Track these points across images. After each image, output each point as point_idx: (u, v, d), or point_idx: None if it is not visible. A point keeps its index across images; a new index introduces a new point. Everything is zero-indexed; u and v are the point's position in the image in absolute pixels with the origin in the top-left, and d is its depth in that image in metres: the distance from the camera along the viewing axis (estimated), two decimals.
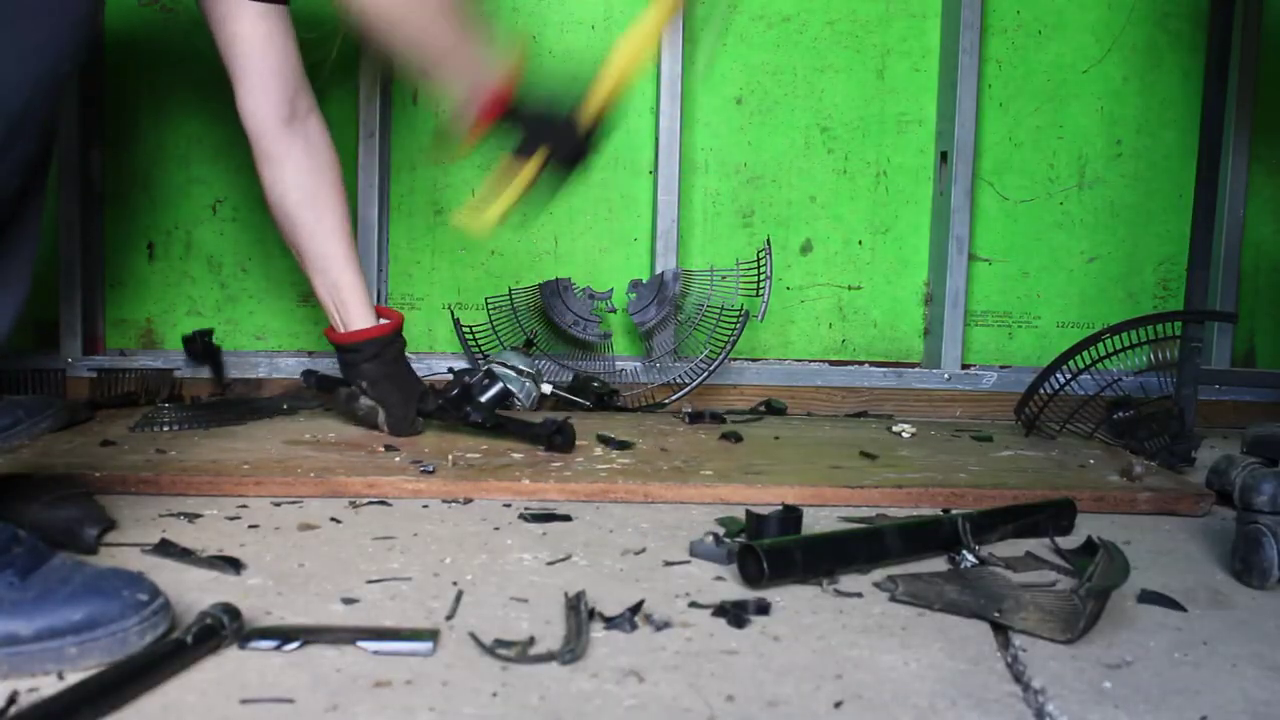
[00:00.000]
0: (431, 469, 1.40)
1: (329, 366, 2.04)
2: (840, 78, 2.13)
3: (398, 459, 1.47)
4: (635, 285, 2.05)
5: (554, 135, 1.41)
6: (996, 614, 0.97)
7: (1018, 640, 0.94)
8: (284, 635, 0.88)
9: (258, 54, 1.50)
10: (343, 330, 1.61)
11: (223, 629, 0.86)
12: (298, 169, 1.56)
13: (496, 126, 1.41)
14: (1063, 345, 1.87)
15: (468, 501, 1.33)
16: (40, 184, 1.00)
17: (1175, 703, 0.83)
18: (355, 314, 1.60)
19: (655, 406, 1.95)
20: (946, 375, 2.07)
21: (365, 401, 1.62)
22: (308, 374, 1.78)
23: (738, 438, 1.68)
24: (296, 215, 1.58)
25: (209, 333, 1.97)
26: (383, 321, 1.62)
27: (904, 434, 1.77)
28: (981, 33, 2.05)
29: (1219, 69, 1.73)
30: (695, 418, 1.83)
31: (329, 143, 1.61)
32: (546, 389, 1.92)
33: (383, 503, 1.31)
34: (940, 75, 2.11)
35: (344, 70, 2.01)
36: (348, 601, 0.98)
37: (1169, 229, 2.15)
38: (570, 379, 1.98)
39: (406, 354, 1.67)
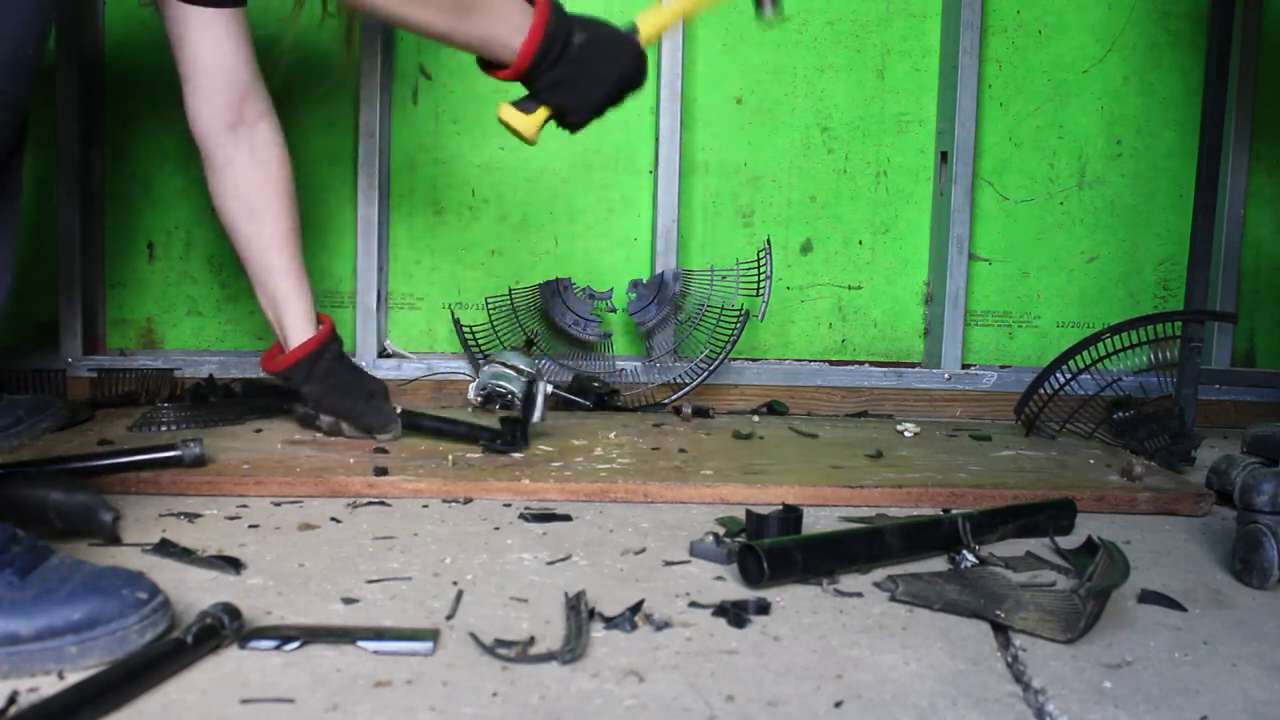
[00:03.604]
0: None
1: None
2: (840, 78, 2.13)
3: (392, 459, 1.47)
4: (635, 285, 2.04)
5: (571, 95, 1.42)
6: (997, 614, 0.97)
7: (1018, 640, 0.94)
8: (284, 635, 0.88)
9: (205, 58, 1.46)
10: (285, 346, 1.57)
11: (223, 629, 0.86)
12: (239, 177, 1.52)
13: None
14: (1063, 345, 1.88)
15: (468, 501, 1.33)
16: (13, 177, 0.98)
17: (1175, 703, 0.83)
18: (292, 330, 1.55)
19: (655, 406, 1.95)
20: (946, 375, 2.07)
21: (324, 418, 1.58)
22: (248, 386, 1.75)
23: (740, 434, 1.68)
24: (234, 225, 1.54)
25: None
26: (307, 339, 1.56)
27: (906, 432, 1.77)
28: (981, 33, 2.05)
29: (1219, 69, 1.73)
30: (700, 412, 1.87)
31: (279, 151, 1.55)
32: (547, 389, 1.91)
33: (382, 502, 1.31)
34: (940, 75, 2.11)
35: (343, 69, 2.01)
36: (348, 601, 0.98)
37: (1169, 229, 2.15)
38: (570, 379, 1.98)
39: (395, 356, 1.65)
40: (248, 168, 1.52)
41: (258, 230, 1.54)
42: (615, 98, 1.45)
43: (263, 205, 1.54)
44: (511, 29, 1.37)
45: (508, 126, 1.43)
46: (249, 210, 1.53)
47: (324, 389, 1.56)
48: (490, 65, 1.43)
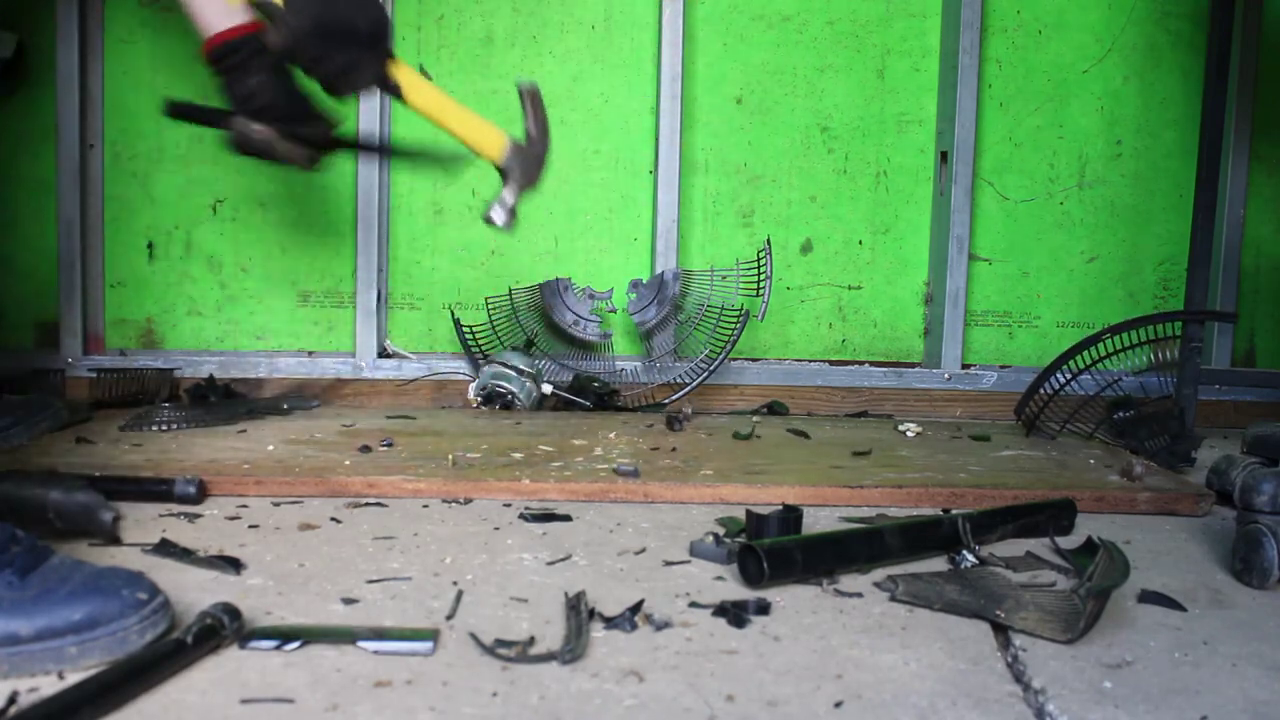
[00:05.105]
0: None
1: (328, 367, 2.04)
2: (840, 78, 2.13)
3: (392, 459, 1.47)
4: (635, 285, 2.05)
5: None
6: (997, 614, 0.97)
7: (1018, 640, 0.94)
8: (284, 635, 0.88)
9: None
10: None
11: (223, 629, 0.86)
12: None
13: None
14: (1063, 345, 1.88)
15: (468, 501, 1.33)
16: None
17: (1175, 703, 0.83)
18: (235, 11, 1.41)
19: (655, 406, 1.95)
20: (946, 375, 2.07)
21: (256, 129, 1.43)
22: (173, 105, 1.55)
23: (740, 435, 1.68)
24: None
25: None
26: (255, 20, 1.42)
27: (909, 433, 1.77)
28: (981, 33, 2.05)
29: (1219, 69, 1.73)
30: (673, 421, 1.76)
31: None
32: (547, 389, 1.92)
33: (382, 503, 1.31)
34: (940, 75, 2.11)
35: None
36: (348, 601, 0.98)
37: (1169, 229, 2.15)
38: (570, 379, 1.98)
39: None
40: None
41: None
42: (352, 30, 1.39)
43: None
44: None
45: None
46: None
47: (272, 80, 1.43)
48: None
